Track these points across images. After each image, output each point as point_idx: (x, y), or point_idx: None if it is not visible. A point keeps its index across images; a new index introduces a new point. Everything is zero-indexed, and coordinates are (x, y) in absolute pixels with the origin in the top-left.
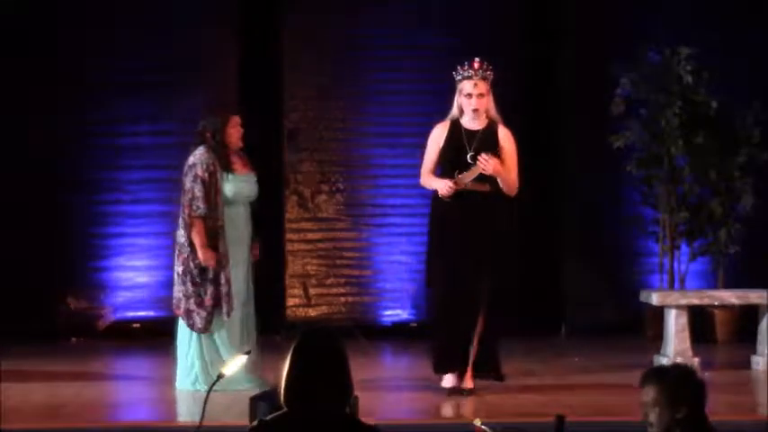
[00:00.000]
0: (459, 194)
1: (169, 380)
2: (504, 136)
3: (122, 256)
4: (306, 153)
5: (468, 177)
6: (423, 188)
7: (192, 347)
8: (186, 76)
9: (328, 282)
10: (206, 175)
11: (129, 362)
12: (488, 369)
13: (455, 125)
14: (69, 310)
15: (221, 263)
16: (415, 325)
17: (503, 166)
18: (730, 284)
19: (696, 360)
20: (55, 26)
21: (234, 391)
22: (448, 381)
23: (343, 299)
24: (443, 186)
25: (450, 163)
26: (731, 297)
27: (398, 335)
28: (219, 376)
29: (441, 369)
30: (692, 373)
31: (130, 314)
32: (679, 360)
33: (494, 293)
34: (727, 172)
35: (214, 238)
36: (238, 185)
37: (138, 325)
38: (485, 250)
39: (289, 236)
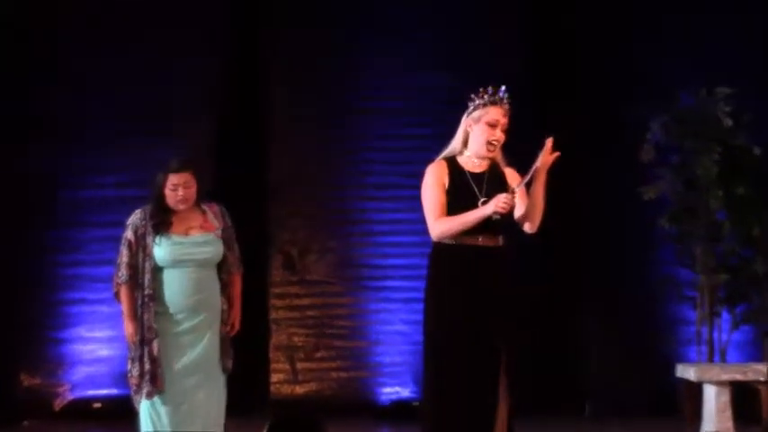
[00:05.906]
0: (464, 251)
1: None
2: (512, 177)
3: (83, 326)
4: (293, 207)
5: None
6: (425, 246)
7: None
8: (160, 126)
9: (318, 355)
10: (133, 238)
11: None
12: None
13: (454, 166)
14: (22, 388)
15: (144, 337)
16: (418, 404)
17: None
18: None
19: None
20: (25, 71)
21: None
22: None
23: (334, 374)
24: (497, 203)
25: (458, 211)
26: None
27: (398, 415)
28: None
29: None
30: None
31: (91, 392)
32: None
33: (512, 367)
34: None
35: (140, 307)
36: (172, 249)
37: (99, 404)
38: (501, 316)
39: (273, 301)
